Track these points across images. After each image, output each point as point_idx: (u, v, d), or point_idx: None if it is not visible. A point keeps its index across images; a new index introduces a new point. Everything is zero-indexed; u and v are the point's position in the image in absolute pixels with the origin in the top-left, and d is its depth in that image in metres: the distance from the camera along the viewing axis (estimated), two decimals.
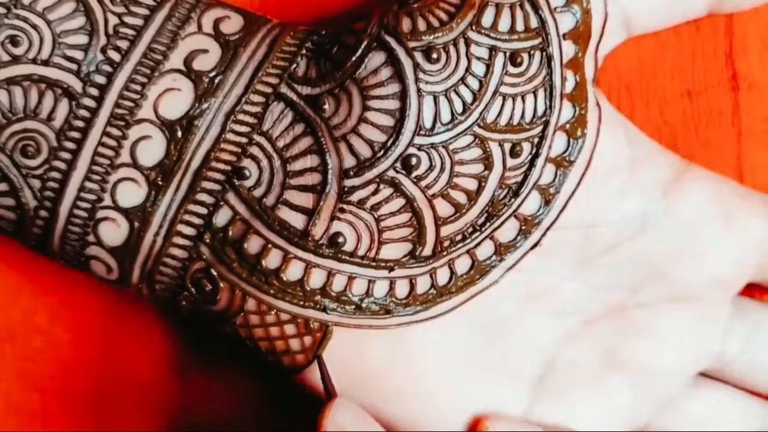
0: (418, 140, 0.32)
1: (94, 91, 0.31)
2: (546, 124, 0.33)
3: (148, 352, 0.38)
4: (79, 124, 0.31)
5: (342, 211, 0.32)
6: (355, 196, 0.32)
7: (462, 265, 0.34)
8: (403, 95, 0.31)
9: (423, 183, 0.32)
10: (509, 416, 0.35)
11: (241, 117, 0.32)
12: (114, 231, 0.32)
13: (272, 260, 0.32)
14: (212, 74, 0.32)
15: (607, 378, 0.36)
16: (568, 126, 0.34)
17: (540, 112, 0.33)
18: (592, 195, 0.34)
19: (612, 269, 0.36)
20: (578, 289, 0.36)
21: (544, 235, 0.34)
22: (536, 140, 0.33)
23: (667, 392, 0.37)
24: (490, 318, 0.35)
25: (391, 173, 0.32)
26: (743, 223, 0.36)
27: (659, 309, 0.36)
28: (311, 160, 0.32)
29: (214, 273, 0.32)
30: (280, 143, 0.32)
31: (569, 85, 0.33)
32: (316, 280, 0.32)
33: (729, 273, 0.37)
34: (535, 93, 0.33)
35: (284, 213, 0.32)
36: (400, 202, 0.32)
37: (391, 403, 0.34)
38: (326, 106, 0.32)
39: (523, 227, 0.34)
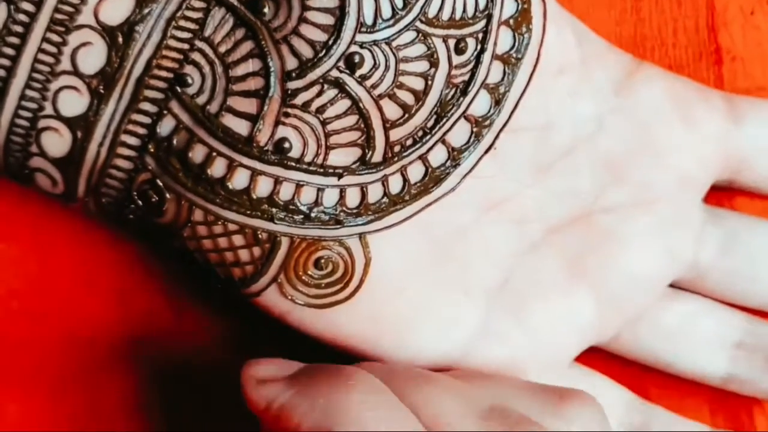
0: (360, 38, 0.31)
1: None
2: (489, 17, 0.32)
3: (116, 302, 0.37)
4: (18, 29, 0.31)
5: (287, 115, 0.31)
6: (299, 99, 0.31)
7: (415, 172, 0.33)
8: None
9: (368, 83, 0.31)
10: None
11: (182, 23, 0.31)
12: (57, 141, 0.32)
13: (217, 169, 0.31)
14: None
15: (571, 288, 0.35)
16: (512, 21, 0.33)
17: (482, 5, 0.32)
18: (543, 95, 0.34)
19: (571, 173, 0.35)
20: (539, 196, 0.35)
21: (497, 137, 0.33)
22: (480, 35, 0.32)
23: (638, 302, 0.36)
24: (446, 228, 0.34)
25: (334, 73, 0.31)
26: (701, 118, 0.36)
27: (625, 213, 0.36)
28: (253, 65, 0.31)
29: (160, 184, 0.32)
30: (222, 48, 0.31)
31: None
32: (262, 188, 0.32)
33: (692, 170, 0.36)
34: None
35: (228, 120, 0.31)
36: (345, 103, 0.31)
37: (347, 320, 0.33)
38: (266, 10, 0.31)
39: (475, 129, 0.33)
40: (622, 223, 0.35)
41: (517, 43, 0.33)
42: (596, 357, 0.37)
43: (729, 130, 0.36)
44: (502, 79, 0.33)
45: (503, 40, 0.33)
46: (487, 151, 0.34)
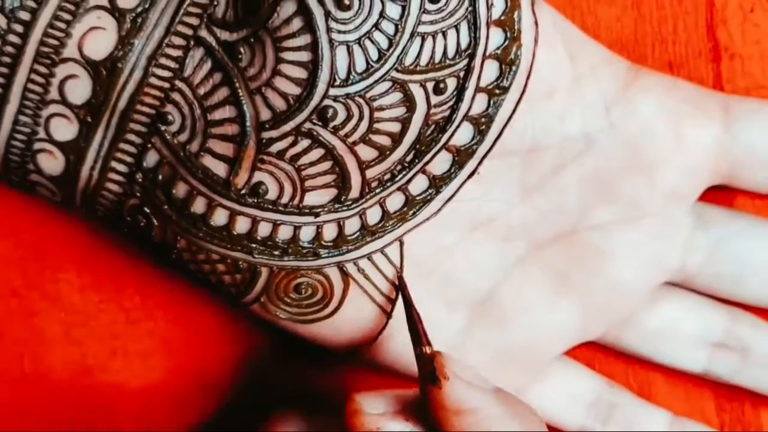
0: (333, 92, 0.31)
1: (19, 28, 0.31)
2: (471, 56, 0.32)
3: None
4: (6, 60, 0.31)
5: (262, 161, 0.32)
6: (274, 148, 0.32)
7: (394, 202, 0.34)
8: (314, 47, 0.30)
9: (341, 132, 0.31)
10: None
11: (162, 61, 0.31)
12: (52, 162, 0.33)
13: (198, 206, 0.33)
14: (135, 13, 0.31)
15: (556, 299, 0.36)
16: (498, 52, 0.32)
17: (464, 45, 0.32)
18: (530, 119, 0.33)
19: (559, 192, 0.35)
20: (526, 215, 0.35)
21: (480, 163, 0.33)
22: (462, 74, 0.32)
23: (624, 310, 0.37)
24: (428, 248, 0.35)
25: (307, 125, 0.31)
26: (692, 132, 0.35)
27: (611, 230, 0.36)
28: (230, 111, 0.32)
29: (147, 211, 0.33)
30: (201, 91, 0.32)
31: (497, 11, 0.32)
32: (241, 226, 0.33)
33: (681, 185, 0.36)
34: (457, 27, 0.31)
35: (207, 161, 0.32)
36: (319, 152, 0.32)
37: (330, 332, 0.35)
38: (242, 56, 0.31)
39: (457, 158, 0.33)
40: (609, 239, 0.36)
41: (503, 74, 0.32)
42: (602, 346, 0.39)
43: (721, 139, 0.35)
44: (486, 109, 0.33)
45: (488, 72, 0.32)
46: (470, 176, 0.34)
